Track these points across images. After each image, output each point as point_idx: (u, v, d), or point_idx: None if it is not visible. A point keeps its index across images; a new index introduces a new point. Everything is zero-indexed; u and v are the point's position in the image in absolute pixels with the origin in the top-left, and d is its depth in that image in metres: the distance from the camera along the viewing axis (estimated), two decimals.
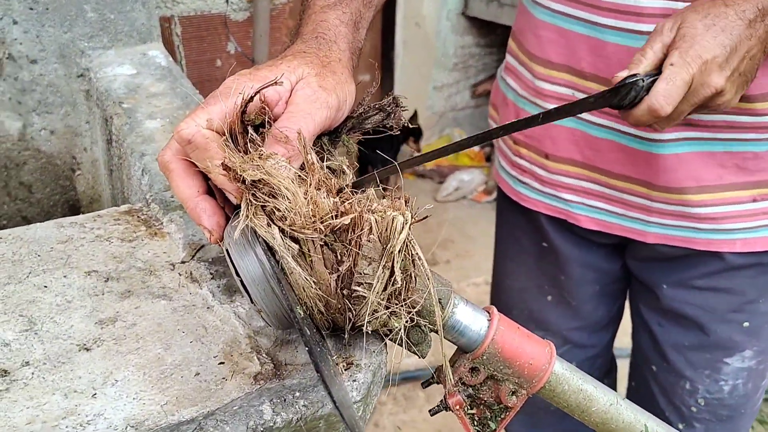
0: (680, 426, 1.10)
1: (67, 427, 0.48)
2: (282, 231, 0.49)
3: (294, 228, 0.48)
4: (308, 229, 0.48)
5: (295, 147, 0.52)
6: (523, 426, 1.33)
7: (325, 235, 0.49)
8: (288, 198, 0.48)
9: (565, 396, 0.60)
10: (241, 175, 0.50)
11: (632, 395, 1.23)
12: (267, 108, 0.54)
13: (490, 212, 3.09)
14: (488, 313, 0.59)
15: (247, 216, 0.49)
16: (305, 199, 0.49)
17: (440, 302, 0.57)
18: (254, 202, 0.49)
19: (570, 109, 0.64)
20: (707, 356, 0.99)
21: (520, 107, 1.04)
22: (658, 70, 0.69)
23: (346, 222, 0.48)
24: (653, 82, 0.67)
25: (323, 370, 0.42)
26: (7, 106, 1.12)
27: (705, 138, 0.87)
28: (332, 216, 0.49)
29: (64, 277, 0.65)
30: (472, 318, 0.58)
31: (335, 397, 0.42)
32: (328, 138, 0.64)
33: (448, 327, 0.57)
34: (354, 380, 0.53)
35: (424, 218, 0.51)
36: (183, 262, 0.68)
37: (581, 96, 0.93)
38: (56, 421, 0.49)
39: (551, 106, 0.98)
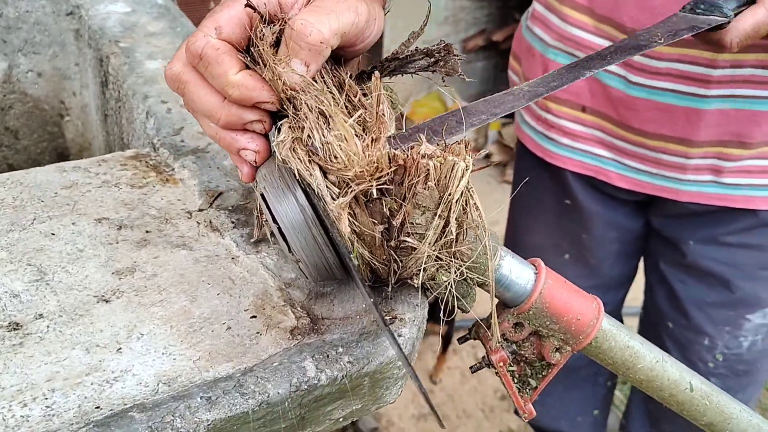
0: None
1: (92, 384, 0.44)
2: (323, 171, 0.44)
3: (341, 172, 0.44)
4: (358, 176, 0.44)
5: (317, 47, 0.45)
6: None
7: (378, 186, 0.44)
8: (339, 134, 0.44)
9: (611, 353, 0.58)
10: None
11: None
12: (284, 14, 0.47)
13: (487, 171, 3.06)
14: (534, 266, 0.56)
15: (286, 143, 0.44)
16: (356, 138, 0.44)
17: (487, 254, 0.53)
18: (296, 125, 0.44)
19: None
20: (730, 313, 0.98)
21: (549, 58, 0.99)
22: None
23: (386, 170, 0.44)
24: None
25: (387, 323, 0.38)
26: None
27: (753, 96, 0.84)
28: (386, 163, 0.44)
29: (73, 224, 0.60)
30: (519, 271, 0.55)
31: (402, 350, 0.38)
32: (369, 78, 0.59)
33: (495, 280, 0.54)
34: (399, 335, 0.49)
35: (487, 166, 0.47)
36: (200, 210, 0.63)
37: None
38: (79, 377, 0.45)
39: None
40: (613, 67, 0.93)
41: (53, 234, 0.59)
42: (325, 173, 0.45)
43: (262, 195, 0.48)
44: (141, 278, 0.54)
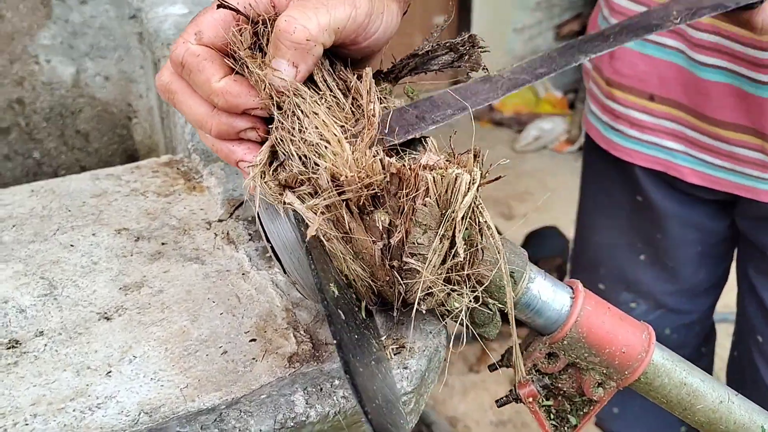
0: None
1: (74, 410, 0.42)
2: (291, 188, 0.40)
3: (318, 181, 0.39)
4: (347, 182, 0.39)
5: (303, 46, 0.41)
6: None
7: (366, 199, 0.39)
8: (313, 137, 0.39)
9: (664, 391, 0.50)
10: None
11: (734, 366, 1.10)
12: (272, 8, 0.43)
13: (572, 163, 2.92)
14: (572, 288, 0.49)
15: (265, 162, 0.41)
16: (341, 147, 0.39)
17: (512, 276, 0.47)
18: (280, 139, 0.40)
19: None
20: None
21: (652, 56, 0.90)
22: None
23: (377, 179, 0.38)
24: None
25: (352, 362, 0.33)
26: (59, 51, 1.07)
27: None
28: (379, 173, 0.40)
29: (93, 235, 0.59)
30: (552, 294, 0.48)
31: (368, 391, 0.33)
32: (390, 81, 0.54)
33: (522, 305, 0.48)
34: (405, 367, 0.44)
35: (497, 178, 0.41)
36: (220, 221, 0.61)
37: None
38: (63, 403, 0.43)
39: (663, 40, 0.85)
40: (671, 42, 0.83)
41: (72, 245, 0.58)
42: (293, 188, 0.40)
43: (258, 213, 0.44)
44: (147, 294, 0.52)
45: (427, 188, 0.39)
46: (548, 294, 0.48)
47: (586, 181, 1.10)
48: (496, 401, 0.51)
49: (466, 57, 0.51)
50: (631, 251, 1.06)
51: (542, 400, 0.51)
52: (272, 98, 0.41)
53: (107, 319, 0.50)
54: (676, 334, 1.13)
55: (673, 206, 0.97)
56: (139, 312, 0.50)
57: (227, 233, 0.59)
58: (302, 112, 0.40)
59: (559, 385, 0.51)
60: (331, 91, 0.45)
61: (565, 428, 0.52)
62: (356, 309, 0.42)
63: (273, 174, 0.40)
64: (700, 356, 1.22)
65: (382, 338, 0.46)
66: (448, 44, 0.52)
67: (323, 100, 0.43)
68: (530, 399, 0.49)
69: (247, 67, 0.41)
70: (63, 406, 0.43)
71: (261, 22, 0.42)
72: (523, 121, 3.09)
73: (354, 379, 0.31)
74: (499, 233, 0.45)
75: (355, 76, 0.47)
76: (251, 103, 0.42)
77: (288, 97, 0.41)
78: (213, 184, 0.65)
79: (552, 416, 0.52)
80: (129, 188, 0.66)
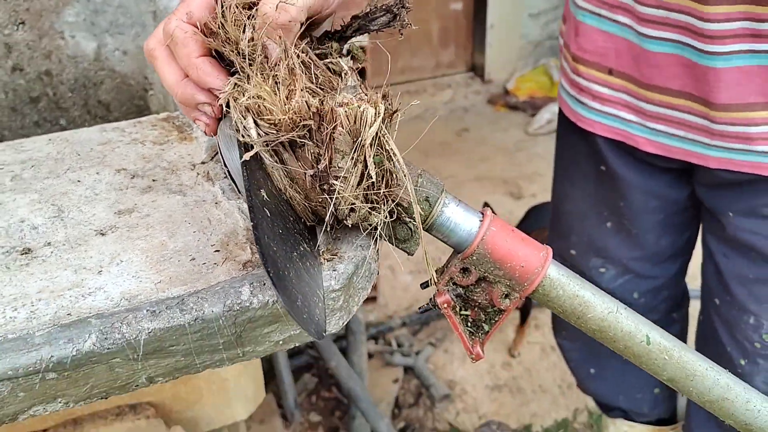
0: (742, 362, 1.04)
1: (70, 297, 0.54)
2: (257, 124, 0.50)
3: (263, 121, 0.49)
4: (276, 124, 0.49)
5: (287, 26, 0.51)
6: (585, 363, 1.31)
7: (293, 131, 0.49)
8: (259, 94, 0.49)
9: (559, 301, 0.59)
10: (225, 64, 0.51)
11: (699, 329, 1.17)
12: None
13: None
14: (482, 214, 0.59)
15: (229, 105, 0.51)
16: (275, 95, 0.49)
17: (428, 200, 0.56)
18: (234, 94, 0.51)
19: None
20: None
21: (579, 20, 0.98)
22: None
23: (307, 118, 0.48)
24: None
25: (270, 257, 0.43)
26: (82, 27, 1.19)
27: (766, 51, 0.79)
28: (306, 112, 0.49)
29: (97, 173, 0.71)
30: (463, 218, 0.57)
31: (287, 280, 0.43)
32: (336, 40, 0.64)
33: (437, 225, 0.57)
34: (334, 269, 0.54)
35: (395, 112, 0.51)
36: (203, 163, 0.71)
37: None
38: (62, 291, 0.54)
39: (615, 16, 0.92)
40: (621, 18, 0.90)
41: (79, 181, 0.69)
42: (256, 122, 0.50)
43: (218, 143, 0.55)
44: (136, 217, 0.63)
45: (339, 121, 0.49)
46: (460, 217, 0.57)
47: (558, 154, 1.18)
48: (419, 308, 0.61)
49: (398, 17, 0.60)
50: (599, 219, 1.14)
51: (461, 309, 0.61)
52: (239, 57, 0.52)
53: (102, 234, 0.61)
54: (644, 298, 1.20)
55: (634, 175, 1.04)
56: (129, 230, 0.62)
57: (207, 172, 0.70)
58: (247, 76, 0.50)
59: (475, 297, 0.60)
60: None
61: (479, 334, 0.61)
62: (290, 217, 0.52)
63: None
64: (672, 322, 1.28)
65: (320, 248, 0.56)
66: (384, 6, 0.61)
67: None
68: (445, 305, 0.59)
69: (228, 44, 0.51)
70: (62, 293, 0.54)
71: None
72: (538, 105, 3.15)
73: (267, 264, 0.41)
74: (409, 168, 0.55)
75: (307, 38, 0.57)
76: (216, 84, 0.52)
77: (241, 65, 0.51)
78: (200, 135, 0.76)
79: (469, 324, 0.62)
80: (130, 138, 0.78)
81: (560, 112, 1.12)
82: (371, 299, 2.15)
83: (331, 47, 0.62)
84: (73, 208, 0.65)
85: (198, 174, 0.70)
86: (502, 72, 3.28)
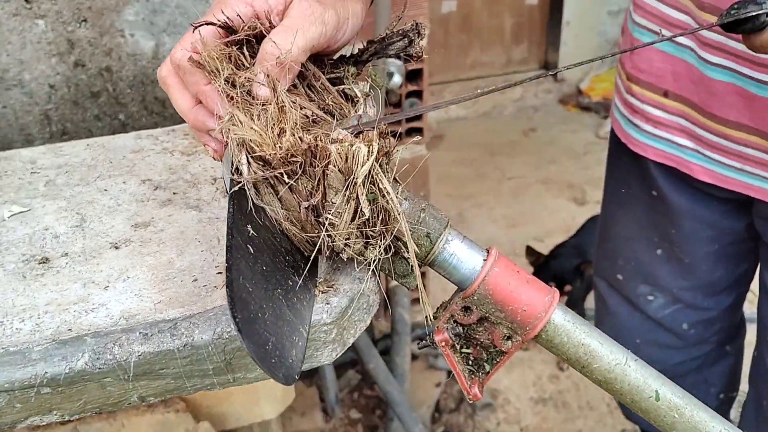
0: None
1: (75, 311, 0.55)
2: (248, 159, 0.50)
3: (254, 156, 0.49)
4: (268, 160, 0.49)
5: (287, 65, 0.51)
6: None
7: (285, 166, 0.49)
8: (251, 128, 0.49)
9: (564, 348, 0.56)
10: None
11: (754, 365, 1.11)
12: (259, 21, 0.53)
13: None
14: (487, 252, 0.57)
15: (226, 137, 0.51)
16: (267, 132, 0.49)
17: (429, 236, 0.55)
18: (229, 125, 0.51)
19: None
20: None
21: (634, 36, 0.93)
22: None
23: (298, 155, 0.48)
24: None
25: (240, 301, 0.43)
26: (141, 26, 1.23)
27: None
28: (299, 148, 0.49)
29: (123, 182, 0.73)
30: (467, 255, 0.56)
31: (255, 322, 0.43)
32: (353, 64, 0.63)
33: (439, 262, 0.56)
34: (327, 303, 0.54)
35: (389, 151, 0.49)
36: (222, 178, 0.72)
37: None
38: (68, 305, 0.56)
39: (666, 33, 0.87)
40: (682, 39, 0.85)
41: (106, 190, 0.72)
42: (248, 158, 0.50)
43: (223, 167, 0.55)
44: (151, 231, 0.65)
45: (331, 158, 0.48)
46: (463, 255, 0.56)
47: (608, 174, 1.13)
48: (417, 344, 0.60)
49: (414, 43, 0.59)
50: (648, 245, 1.08)
51: (462, 347, 0.59)
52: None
53: (116, 248, 0.63)
54: (694, 329, 1.14)
55: (687, 203, 0.98)
56: (141, 245, 0.63)
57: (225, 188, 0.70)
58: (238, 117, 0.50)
59: (477, 336, 0.59)
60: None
61: (480, 374, 0.60)
62: (282, 249, 0.52)
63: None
64: (725, 355, 1.21)
65: (318, 279, 0.56)
66: (401, 32, 0.60)
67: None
68: (443, 344, 0.58)
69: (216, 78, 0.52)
70: (67, 307, 0.56)
71: (245, 37, 0.53)
72: (610, 107, 3.03)
73: (235, 310, 0.41)
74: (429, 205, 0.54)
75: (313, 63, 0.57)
76: (220, 113, 0.53)
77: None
78: None
79: (470, 363, 0.60)
80: (161, 147, 0.80)
81: (612, 132, 1.07)
82: (417, 300, 2.13)
83: (347, 71, 0.61)
84: (95, 218, 0.67)
85: (217, 189, 0.71)
86: (575, 71, 3.17)
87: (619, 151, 1.05)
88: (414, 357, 1.95)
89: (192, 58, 0.52)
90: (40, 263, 0.61)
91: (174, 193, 0.71)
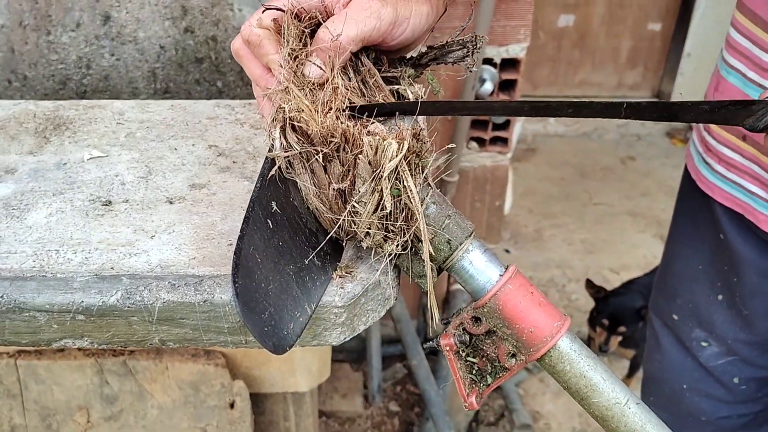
0: None
1: (120, 253, 0.61)
2: (285, 132, 0.53)
3: (298, 131, 0.52)
4: (309, 135, 0.52)
5: (331, 49, 0.55)
6: None
7: (323, 145, 0.52)
8: (299, 106, 0.52)
9: (565, 377, 0.56)
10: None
11: None
12: (323, 8, 0.57)
13: None
14: (505, 268, 0.57)
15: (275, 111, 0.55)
16: (314, 110, 0.52)
17: (449, 243, 0.56)
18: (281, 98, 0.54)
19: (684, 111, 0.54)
20: None
21: (721, 75, 0.90)
22: None
23: (335, 138, 0.51)
24: None
25: (244, 267, 0.46)
26: (249, 2, 1.30)
27: None
28: (338, 131, 0.52)
29: (192, 145, 0.78)
30: (483, 268, 0.57)
31: (255, 292, 0.46)
32: (412, 66, 0.65)
33: (456, 269, 0.57)
34: (342, 287, 0.57)
35: (419, 153, 0.51)
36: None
37: None
38: (116, 246, 0.62)
39: (764, 82, 0.84)
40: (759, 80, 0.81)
41: (175, 149, 0.78)
42: (294, 129, 0.54)
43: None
44: (204, 193, 0.70)
45: (362, 149, 0.50)
46: (480, 266, 0.57)
47: (678, 209, 1.10)
48: (422, 345, 0.61)
49: (471, 54, 0.60)
50: (710, 288, 1.04)
51: (467, 356, 0.60)
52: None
53: (170, 203, 0.68)
54: (745, 386, 1.08)
55: (751, 252, 0.94)
56: (192, 204, 0.68)
57: None
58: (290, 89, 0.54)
59: (484, 347, 0.60)
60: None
61: (481, 384, 0.61)
62: (306, 230, 0.55)
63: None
64: None
65: (340, 264, 0.59)
66: (460, 41, 0.61)
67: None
68: (447, 348, 0.59)
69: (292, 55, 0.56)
70: (115, 248, 0.62)
71: (308, 18, 0.56)
72: None
73: (236, 275, 0.45)
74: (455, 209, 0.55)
75: (370, 60, 0.60)
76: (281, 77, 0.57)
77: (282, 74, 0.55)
78: None
79: (474, 372, 0.61)
80: (234, 117, 0.85)
81: (685, 167, 1.04)
82: None
83: (405, 72, 0.63)
84: (160, 172, 0.73)
85: None
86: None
87: (691, 188, 1.02)
88: None
89: (276, 21, 0.56)
90: (103, 205, 0.68)
91: (234, 162, 0.75)
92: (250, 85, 1.52)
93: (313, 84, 0.54)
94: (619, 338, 1.83)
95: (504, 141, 1.73)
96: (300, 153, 0.53)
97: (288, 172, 0.54)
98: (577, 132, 3.11)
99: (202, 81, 1.39)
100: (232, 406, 1.12)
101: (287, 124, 0.53)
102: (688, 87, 3.01)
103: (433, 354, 1.87)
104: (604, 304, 1.86)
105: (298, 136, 0.53)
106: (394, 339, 1.97)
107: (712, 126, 0.91)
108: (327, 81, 0.54)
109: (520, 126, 2.22)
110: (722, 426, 1.11)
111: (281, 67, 0.57)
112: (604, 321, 1.81)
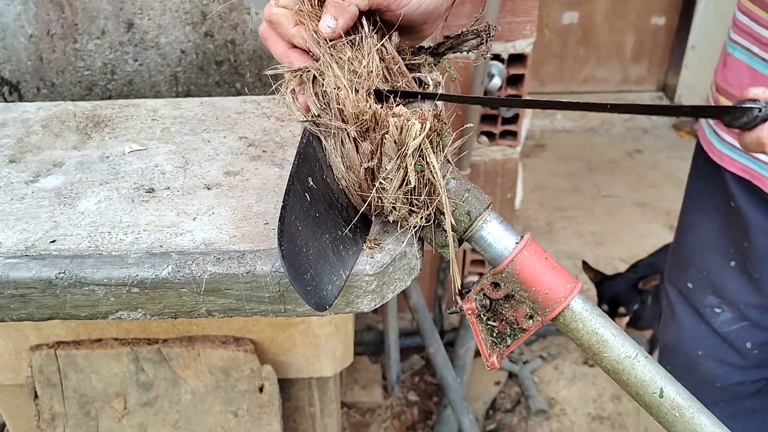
0: None
1: (167, 233, 0.67)
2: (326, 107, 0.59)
3: (336, 109, 0.58)
4: (343, 114, 0.57)
5: (342, 5, 0.58)
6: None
7: (355, 124, 0.57)
8: (332, 84, 0.58)
9: (578, 334, 0.61)
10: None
11: None
12: None
13: None
14: (521, 237, 0.62)
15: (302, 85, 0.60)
16: (350, 91, 0.57)
17: (469, 214, 0.62)
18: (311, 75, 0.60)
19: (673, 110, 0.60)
20: None
21: (728, 51, 0.95)
22: None
23: (366, 117, 0.56)
24: None
25: (287, 233, 0.52)
26: (264, 4, 1.36)
27: None
28: (368, 112, 0.57)
29: (224, 137, 0.84)
30: (501, 236, 0.62)
31: (300, 256, 0.52)
32: (431, 55, 0.70)
33: (476, 238, 0.62)
34: (372, 257, 0.62)
35: (442, 131, 0.56)
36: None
37: None
38: (162, 227, 0.67)
39: (766, 56, 0.89)
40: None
41: (209, 141, 0.83)
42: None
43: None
44: (238, 180, 0.75)
45: (389, 129, 0.56)
46: (498, 235, 0.62)
47: (690, 182, 1.14)
48: (447, 309, 0.67)
49: (485, 43, 0.65)
50: (723, 255, 1.08)
51: (488, 320, 0.66)
52: (319, 47, 0.61)
53: (208, 188, 0.74)
54: (758, 350, 1.12)
55: (760, 216, 0.98)
56: (228, 189, 0.74)
57: None
58: (329, 67, 0.59)
59: (503, 311, 0.65)
60: (368, 51, 0.63)
61: (501, 346, 0.66)
62: (339, 205, 0.60)
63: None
64: None
65: (369, 237, 0.64)
66: (474, 30, 0.66)
67: (356, 60, 0.61)
68: (469, 312, 0.64)
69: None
70: (162, 229, 0.67)
71: None
72: None
73: (282, 238, 0.50)
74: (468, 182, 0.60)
75: (393, 45, 0.65)
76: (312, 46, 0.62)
77: (326, 49, 0.60)
78: None
79: (494, 335, 0.66)
80: (261, 111, 0.90)
81: (697, 140, 1.09)
82: None
83: (425, 60, 0.69)
84: (196, 162, 0.79)
85: None
86: (694, 97, 3.06)
87: (702, 160, 1.06)
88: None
89: (287, 5, 0.61)
90: (147, 192, 0.73)
91: (263, 151, 0.81)
92: (267, 86, 1.58)
93: (333, 41, 0.59)
94: (625, 319, 1.87)
95: (513, 134, 1.77)
96: (333, 132, 0.58)
97: (320, 148, 0.59)
98: (584, 127, 3.15)
99: (222, 83, 1.44)
100: (261, 390, 1.17)
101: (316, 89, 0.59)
102: (693, 79, 3.05)
103: (450, 345, 1.92)
104: (601, 290, 1.90)
105: (336, 114, 0.59)
106: (411, 331, 2.02)
107: (722, 99, 0.96)
108: (339, 37, 0.59)
109: (528, 122, 2.27)
110: (736, 392, 1.15)
111: (318, 44, 0.61)
112: (604, 307, 1.85)
